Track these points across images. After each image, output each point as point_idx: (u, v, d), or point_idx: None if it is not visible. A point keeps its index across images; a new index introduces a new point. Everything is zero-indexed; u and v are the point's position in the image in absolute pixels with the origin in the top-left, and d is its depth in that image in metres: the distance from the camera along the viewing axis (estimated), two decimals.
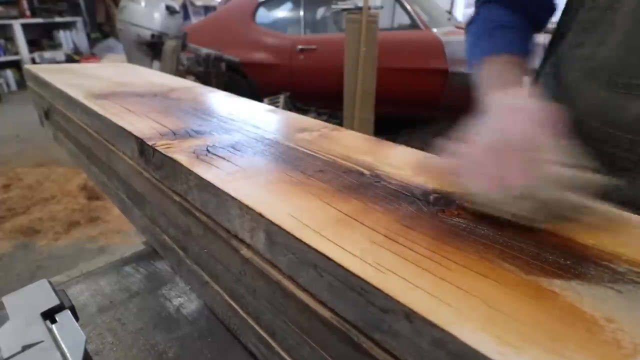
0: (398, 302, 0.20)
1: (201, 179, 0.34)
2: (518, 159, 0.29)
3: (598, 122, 0.46)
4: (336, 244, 0.24)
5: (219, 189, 0.32)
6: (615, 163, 0.45)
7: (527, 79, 0.42)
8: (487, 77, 0.48)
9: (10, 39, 5.12)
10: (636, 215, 0.29)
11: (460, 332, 0.18)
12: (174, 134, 0.44)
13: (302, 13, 3.19)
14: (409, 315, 0.19)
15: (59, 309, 0.33)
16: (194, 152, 0.39)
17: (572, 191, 0.28)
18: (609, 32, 0.44)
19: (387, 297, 0.20)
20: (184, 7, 5.66)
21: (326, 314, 0.25)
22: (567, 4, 0.53)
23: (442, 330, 0.18)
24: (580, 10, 0.49)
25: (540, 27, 0.55)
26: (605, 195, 0.45)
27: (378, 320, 0.21)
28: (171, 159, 0.38)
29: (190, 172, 0.35)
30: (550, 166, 0.28)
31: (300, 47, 3.06)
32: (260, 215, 0.28)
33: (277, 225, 0.27)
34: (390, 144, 0.44)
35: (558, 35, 0.54)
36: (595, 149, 0.46)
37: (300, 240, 0.25)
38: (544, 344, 0.17)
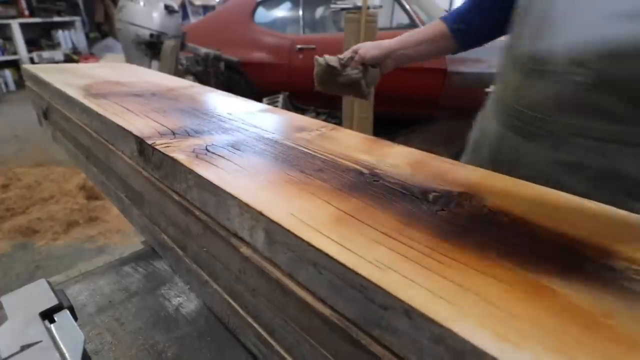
0: (397, 298, 0.20)
1: (201, 177, 0.34)
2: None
3: (517, 103, 0.56)
4: (336, 242, 0.24)
5: (218, 187, 0.32)
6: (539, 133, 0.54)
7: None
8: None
9: (8, 38, 5.12)
10: (635, 214, 0.29)
11: (460, 328, 0.18)
12: (173, 134, 0.44)
13: (301, 12, 3.19)
14: (409, 311, 0.19)
15: (57, 308, 0.33)
16: (193, 151, 0.39)
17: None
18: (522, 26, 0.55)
19: (386, 293, 0.20)
20: (183, 6, 5.66)
21: (326, 311, 0.25)
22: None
23: (442, 326, 0.18)
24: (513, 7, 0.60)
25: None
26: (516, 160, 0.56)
27: (377, 317, 0.21)
28: (171, 158, 0.38)
29: (190, 171, 0.35)
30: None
31: (299, 46, 3.06)
32: (260, 213, 0.28)
33: (276, 223, 0.27)
34: (389, 143, 0.44)
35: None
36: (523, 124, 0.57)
37: (300, 238, 0.25)
38: (542, 341, 0.17)
